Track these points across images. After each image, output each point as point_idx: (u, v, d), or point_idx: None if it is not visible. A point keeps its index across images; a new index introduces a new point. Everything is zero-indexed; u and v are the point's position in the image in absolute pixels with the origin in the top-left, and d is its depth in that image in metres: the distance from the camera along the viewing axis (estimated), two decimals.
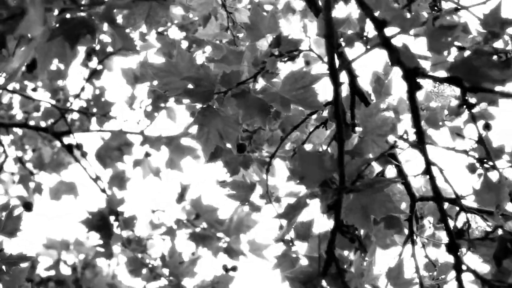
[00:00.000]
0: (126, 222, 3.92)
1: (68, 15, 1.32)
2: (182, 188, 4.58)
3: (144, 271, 3.95)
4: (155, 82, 4.48)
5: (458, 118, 2.89)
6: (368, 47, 1.72)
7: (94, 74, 4.52)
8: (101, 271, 4.96)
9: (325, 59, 1.89)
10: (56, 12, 1.34)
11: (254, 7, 1.89)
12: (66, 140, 4.27)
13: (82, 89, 4.50)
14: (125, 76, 4.48)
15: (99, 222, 3.82)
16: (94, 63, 4.61)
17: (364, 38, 1.73)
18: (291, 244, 3.17)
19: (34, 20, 1.22)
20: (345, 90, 2.26)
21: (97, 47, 4.42)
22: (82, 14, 1.32)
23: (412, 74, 1.51)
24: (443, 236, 2.68)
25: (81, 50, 4.32)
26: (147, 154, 4.46)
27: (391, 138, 1.80)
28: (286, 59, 1.87)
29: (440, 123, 2.81)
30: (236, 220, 4.53)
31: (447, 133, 2.94)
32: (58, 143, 4.46)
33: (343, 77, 2.27)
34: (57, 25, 1.33)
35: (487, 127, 2.86)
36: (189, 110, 4.65)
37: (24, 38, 1.36)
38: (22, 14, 1.28)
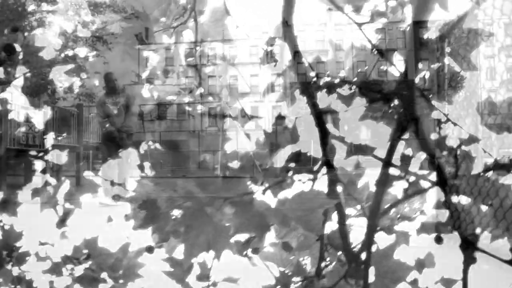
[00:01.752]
0: (18, 259, 3.57)
1: None
2: (64, 212, 4.26)
3: None
4: None
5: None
6: None
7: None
8: None
9: None
10: None
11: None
12: None
13: None
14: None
15: None
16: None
17: None
18: None
19: None
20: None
21: None
22: None
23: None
24: None
25: None
26: (47, 183, 4.10)
27: None
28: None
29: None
30: (125, 264, 4.26)
31: None
32: None
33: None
34: None
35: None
36: None
37: None
38: None
